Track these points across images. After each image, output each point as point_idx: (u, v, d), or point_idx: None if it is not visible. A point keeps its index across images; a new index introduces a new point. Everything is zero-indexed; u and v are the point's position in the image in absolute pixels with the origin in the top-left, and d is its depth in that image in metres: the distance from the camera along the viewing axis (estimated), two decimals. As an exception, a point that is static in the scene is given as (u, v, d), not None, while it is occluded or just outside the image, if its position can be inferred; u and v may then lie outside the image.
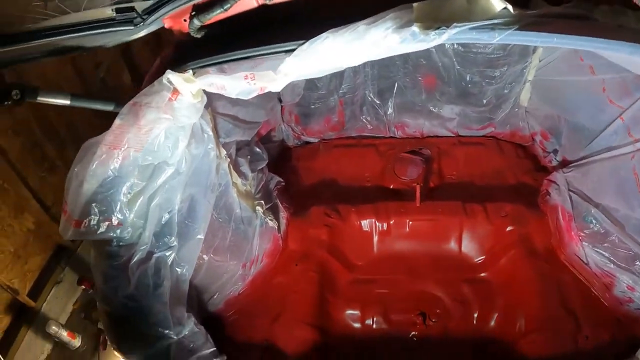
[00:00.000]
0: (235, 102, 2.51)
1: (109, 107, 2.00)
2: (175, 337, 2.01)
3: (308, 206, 3.11)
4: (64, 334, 3.36)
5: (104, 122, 3.68)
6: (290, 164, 3.49)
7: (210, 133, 2.16)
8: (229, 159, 2.48)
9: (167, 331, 1.99)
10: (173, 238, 2.03)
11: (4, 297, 3.20)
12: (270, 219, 2.86)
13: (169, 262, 2.03)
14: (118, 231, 1.84)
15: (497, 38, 1.51)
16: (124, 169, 1.76)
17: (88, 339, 3.52)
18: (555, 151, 3.09)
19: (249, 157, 2.78)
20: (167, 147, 1.84)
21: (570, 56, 2.66)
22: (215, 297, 2.63)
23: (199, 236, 2.21)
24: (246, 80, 1.70)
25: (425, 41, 1.52)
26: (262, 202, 2.80)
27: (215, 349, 2.22)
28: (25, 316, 3.34)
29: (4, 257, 3.15)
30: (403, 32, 1.50)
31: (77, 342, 3.46)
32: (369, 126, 3.50)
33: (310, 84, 3.25)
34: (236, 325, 2.67)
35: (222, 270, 2.61)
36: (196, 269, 2.28)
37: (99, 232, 1.81)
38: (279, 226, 2.93)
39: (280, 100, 3.33)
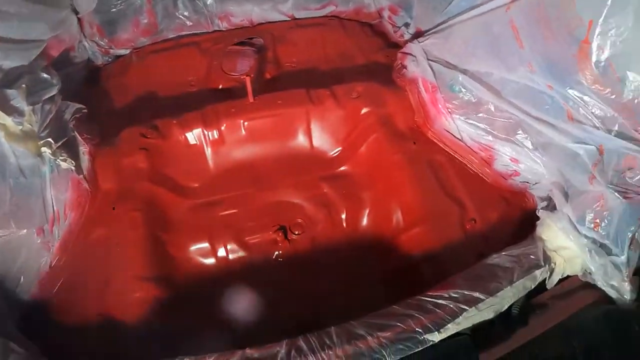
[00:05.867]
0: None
1: None
2: None
3: (118, 131, 2.33)
4: None
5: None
6: (99, 85, 2.67)
7: None
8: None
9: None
10: None
11: None
12: (63, 159, 2.03)
13: None
14: None
15: None
16: None
17: None
18: (407, 24, 2.63)
19: (24, 86, 1.94)
20: None
21: None
22: (21, 282, 1.86)
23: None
24: None
25: None
26: (51, 140, 1.96)
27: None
28: None
29: None
30: None
31: None
32: (188, 22, 2.80)
33: (104, -17, 2.41)
34: (62, 306, 1.94)
35: (13, 245, 1.83)
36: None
37: None
38: (78, 166, 2.11)
39: (77, 12, 2.49)
